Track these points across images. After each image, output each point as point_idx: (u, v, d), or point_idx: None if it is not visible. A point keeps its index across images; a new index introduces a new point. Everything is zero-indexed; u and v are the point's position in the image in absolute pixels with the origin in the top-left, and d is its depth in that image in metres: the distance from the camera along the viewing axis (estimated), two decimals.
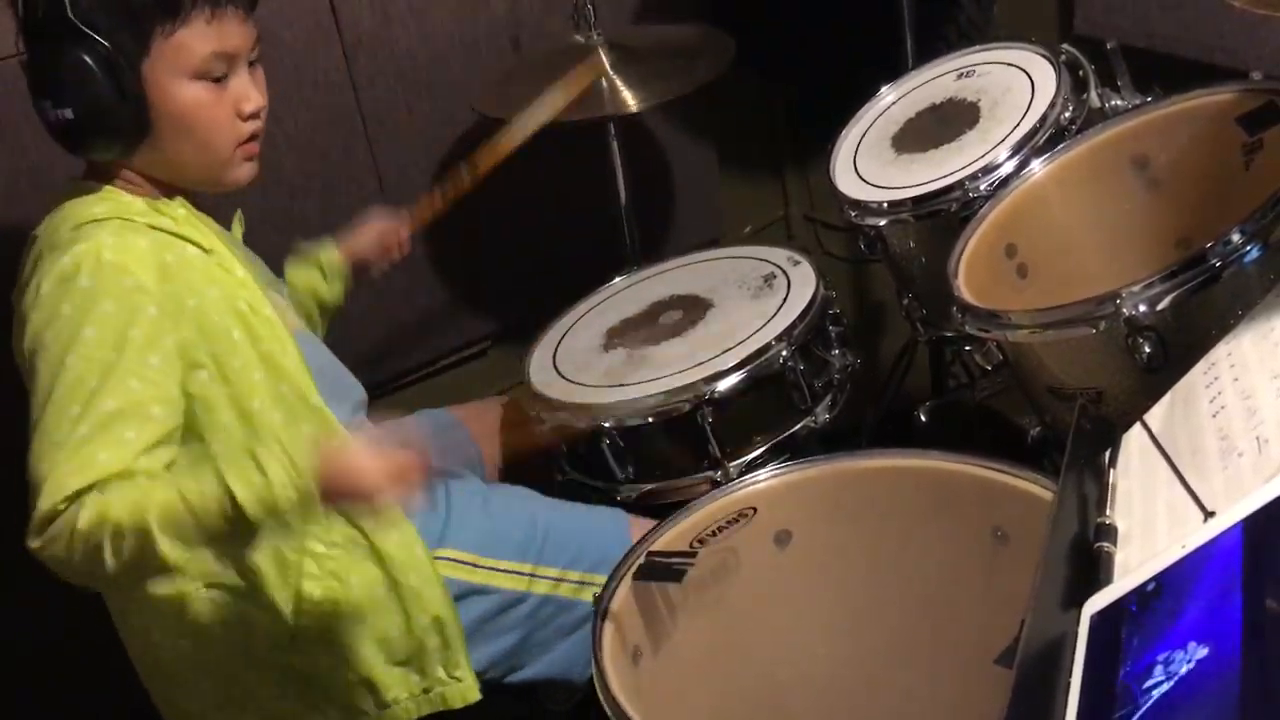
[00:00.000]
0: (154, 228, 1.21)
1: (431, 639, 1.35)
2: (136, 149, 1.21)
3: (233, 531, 1.12)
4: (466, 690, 1.37)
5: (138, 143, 1.21)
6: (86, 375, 1.12)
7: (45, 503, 1.09)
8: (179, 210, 1.25)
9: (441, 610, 1.35)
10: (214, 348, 1.21)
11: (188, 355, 1.20)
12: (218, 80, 1.22)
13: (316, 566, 1.29)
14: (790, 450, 1.54)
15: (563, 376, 1.64)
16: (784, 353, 1.53)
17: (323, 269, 1.60)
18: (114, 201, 1.22)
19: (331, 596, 1.30)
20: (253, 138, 1.27)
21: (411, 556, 1.34)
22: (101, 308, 1.14)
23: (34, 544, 1.11)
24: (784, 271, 1.70)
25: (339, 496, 1.13)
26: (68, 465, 1.09)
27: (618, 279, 1.87)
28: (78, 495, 1.09)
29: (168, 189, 1.27)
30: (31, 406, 1.14)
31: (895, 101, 1.79)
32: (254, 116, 1.26)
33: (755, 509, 1.30)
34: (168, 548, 1.10)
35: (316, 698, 1.34)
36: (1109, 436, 1.02)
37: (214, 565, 1.27)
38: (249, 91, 1.25)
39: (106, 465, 1.10)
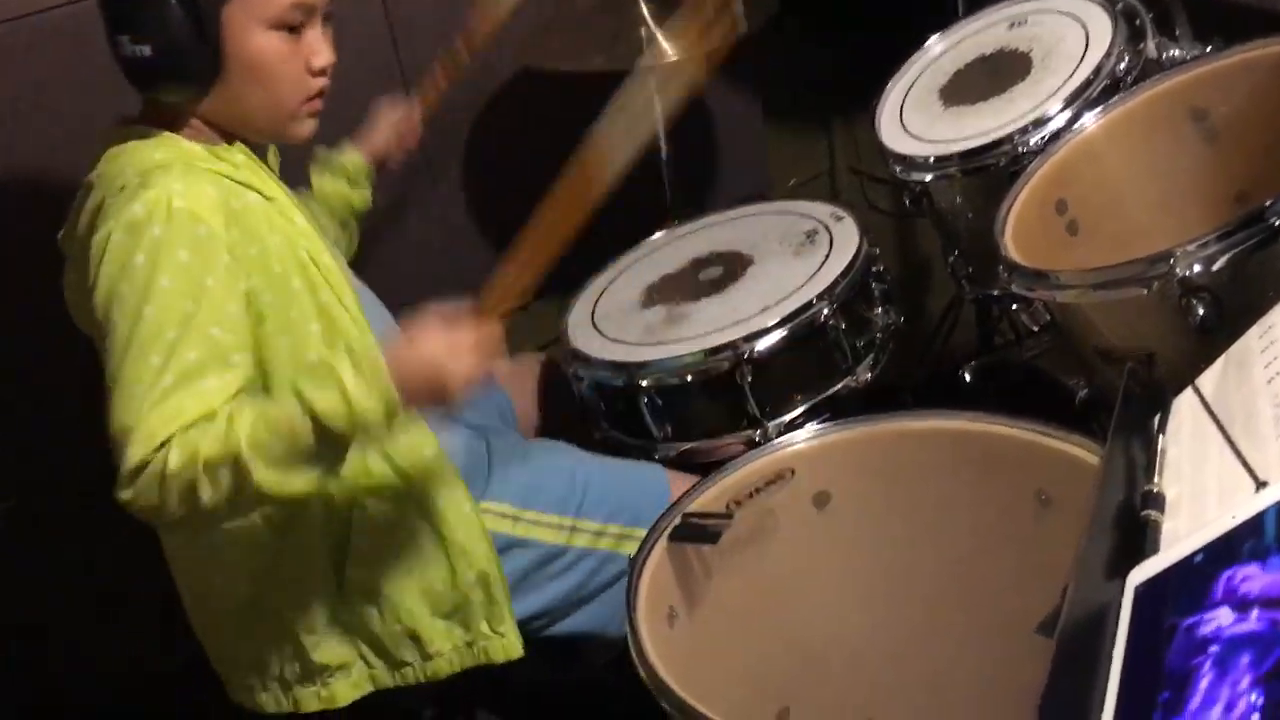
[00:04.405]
0: (217, 174, 1.21)
1: (476, 594, 1.35)
2: (206, 93, 1.22)
3: (323, 447, 1.13)
4: (509, 646, 1.37)
5: (208, 87, 1.21)
6: (165, 325, 1.12)
7: (135, 453, 1.09)
8: (238, 156, 1.25)
9: (487, 566, 1.35)
10: (275, 297, 1.22)
11: (253, 304, 1.20)
12: (293, 31, 1.22)
13: (366, 520, 1.30)
14: (830, 410, 1.52)
15: (601, 333, 1.63)
16: (825, 311, 1.51)
17: (349, 175, 1.60)
18: (173, 147, 1.22)
19: (380, 549, 1.31)
20: (319, 94, 1.27)
21: (459, 512, 1.34)
22: (176, 257, 1.13)
23: (125, 495, 1.10)
24: (827, 227, 1.67)
25: (418, 389, 1.14)
26: (155, 415, 1.09)
27: (658, 234, 1.85)
28: (166, 443, 1.09)
29: (228, 137, 1.27)
30: (109, 357, 1.13)
31: (944, 52, 1.75)
32: (323, 73, 1.26)
33: (794, 470, 1.29)
34: (263, 473, 1.11)
35: (362, 647, 1.35)
36: (1159, 401, 0.99)
37: (269, 515, 1.27)
38: (321, 46, 1.25)
39: (193, 413, 1.11)
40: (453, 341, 1.14)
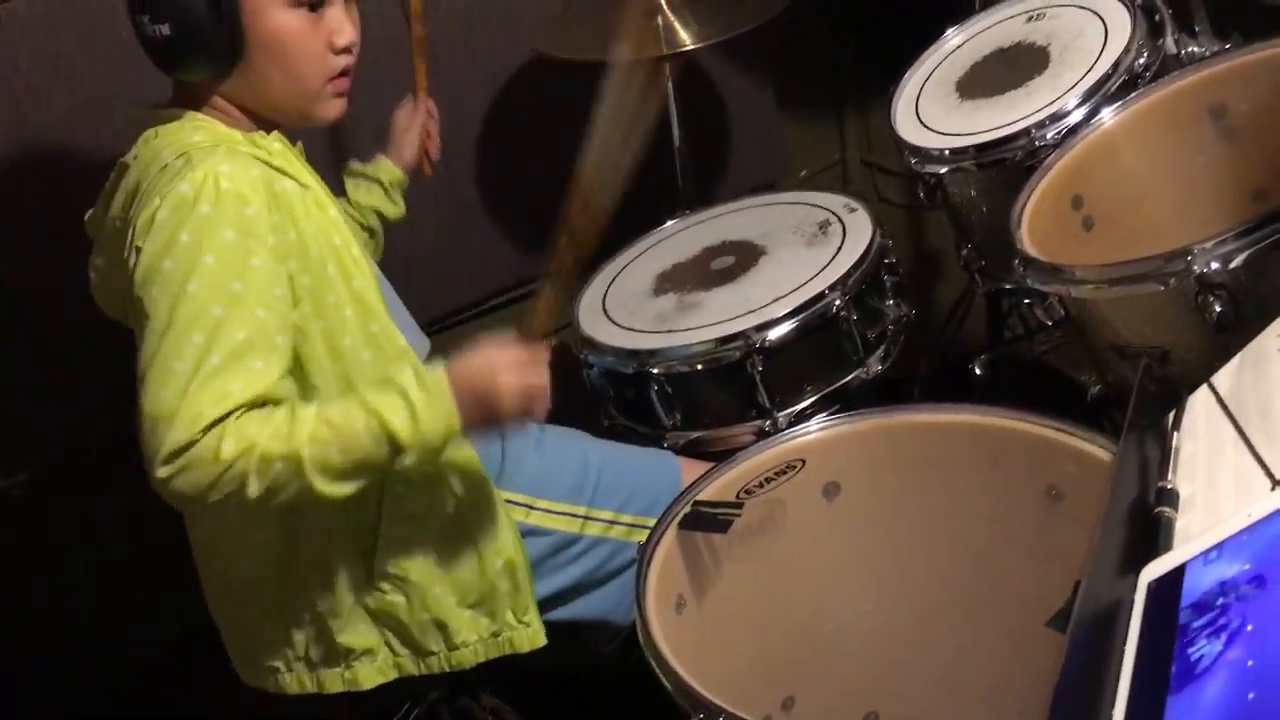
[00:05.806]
0: (255, 158, 1.20)
1: (503, 583, 1.35)
2: (228, 74, 1.21)
3: (380, 458, 1.14)
4: (534, 635, 1.37)
5: (230, 67, 1.20)
6: (210, 304, 1.11)
7: (180, 434, 1.07)
8: (275, 144, 1.24)
9: (513, 554, 1.34)
10: (312, 281, 1.21)
11: (291, 288, 1.19)
12: (314, 10, 1.21)
13: (394, 508, 1.29)
14: (841, 401, 1.52)
15: (611, 320, 1.63)
16: (837, 302, 1.51)
17: (384, 186, 1.60)
18: (211, 130, 1.22)
19: (408, 537, 1.30)
20: (344, 73, 1.26)
21: (486, 500, 1.33)
22: (222, 236, 1.12)
23: (162, 473, 1.08)
24: (839, 218, 1.67)
25: (473, 401, 1.16)
26: (202, 396, 1.08)
27: (670, 222, 1.84)
28: (214, 424, 1.08)
29: (260, 121, 1.26)
30: (147, 335, 1.12)
31: (961, 44, 1.74)
32: (346, 51, 1.25)
33: (804, 460, 1.29)
34: (317, 476, 1.11)
35: (388, 635, 1.35)
36: (1173, 398, 0.99)
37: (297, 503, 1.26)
38: (343, 25, 1.24)
39: (241, 395, 1.10)
40: (502, 357, 1.19)
